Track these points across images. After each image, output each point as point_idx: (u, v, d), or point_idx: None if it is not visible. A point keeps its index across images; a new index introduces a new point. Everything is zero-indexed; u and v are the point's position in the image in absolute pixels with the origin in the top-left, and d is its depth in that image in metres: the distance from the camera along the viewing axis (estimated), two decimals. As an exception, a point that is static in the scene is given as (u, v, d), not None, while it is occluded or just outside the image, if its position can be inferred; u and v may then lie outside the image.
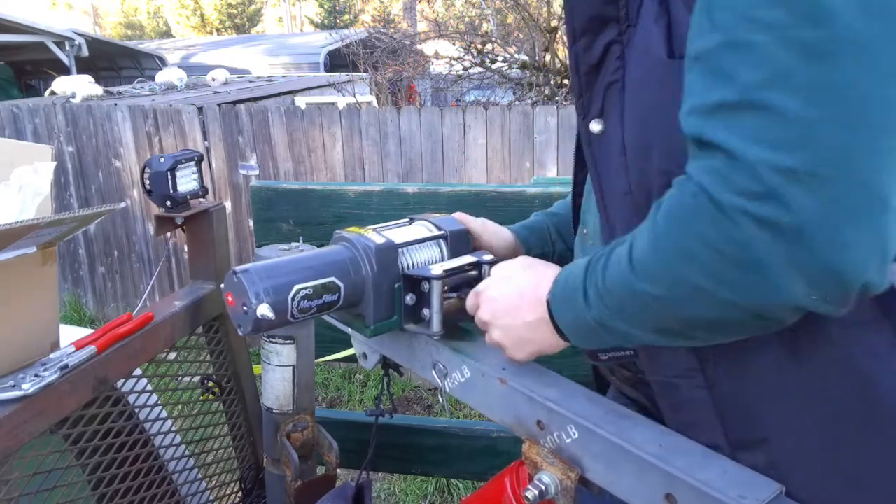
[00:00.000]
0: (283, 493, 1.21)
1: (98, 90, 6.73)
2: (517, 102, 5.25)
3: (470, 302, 0.84)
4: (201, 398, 1.32)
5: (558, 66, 5.53)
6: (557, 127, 3.71)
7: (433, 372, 0.87)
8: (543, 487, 0.73)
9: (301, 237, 1.29)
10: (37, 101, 5.92)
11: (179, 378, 1.27)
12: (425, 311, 0.83)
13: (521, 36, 6.57)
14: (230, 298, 0.77)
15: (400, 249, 0.84)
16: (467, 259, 0.88)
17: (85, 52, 10.43)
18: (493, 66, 5.69)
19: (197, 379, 1.31)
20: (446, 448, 1.47)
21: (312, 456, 1.26)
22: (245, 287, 0.74)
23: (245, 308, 0.75)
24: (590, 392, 0.76)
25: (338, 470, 1.26)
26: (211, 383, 1.31)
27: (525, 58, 5.71)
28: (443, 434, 1.46)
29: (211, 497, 1.39)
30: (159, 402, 1.24)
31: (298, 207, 1.38)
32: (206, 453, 1.36)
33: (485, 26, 7.36)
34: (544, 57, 5.62)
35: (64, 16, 32.59)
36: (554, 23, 5.64)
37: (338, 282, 0.79)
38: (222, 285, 0.79)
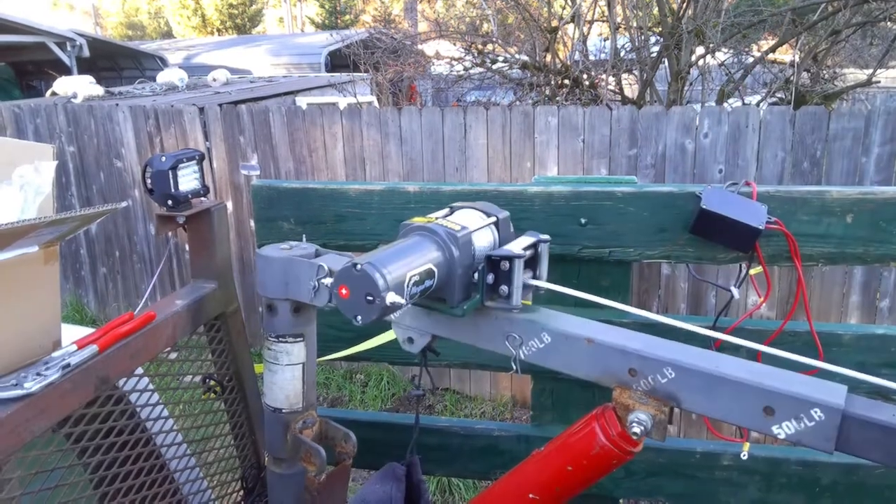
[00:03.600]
0: (284, 492, 1.21)
1: (99, 90, 6.75)
2: (518, 102, 5.25)
3: None
4: (203, 397, 1.32)
5: (559, 66, 5.53)
6: (558, 127, 3.71)
7: (506, 342, 0.95)
8: (644, 424, 0.85)
9: (303, 236, 1.29)
10: (38, 101, 5.94)
11: (181, 377, 1.27)
12: (503, 288, 0.92)
13: (522, 36, 6.57)
14: (344, 291, 0.83)
15: (471, 234, 0.93)
16: (529, 240, 0.96)
17: (86, 53, 10.46)
18: (494, 67, 5.70)
19: (198, 378, 1.31)
20: (447, 447, 1.47)
21: (320, 451, 1.26)
22: (372, 277, 0.80)
23: (370, 297, 0.81)
24: (669, 340, 0.88)
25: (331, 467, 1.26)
26: (212, 382, 1.31)
27: (526, 58, 5.71)
28: (444, 433, 1.47)
29: (212, 496, 1.39)
30: (161, 402, 1.24)
31: (299, 207, 1.38)
32: (208, 452, 1.36)
33: (485, 27, 7.35)
34: (545, 57, 5.62)
35: (65, 16, 32.66)
36: (554, 23, 5.64)
37: (434, 268, 0.87)
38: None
